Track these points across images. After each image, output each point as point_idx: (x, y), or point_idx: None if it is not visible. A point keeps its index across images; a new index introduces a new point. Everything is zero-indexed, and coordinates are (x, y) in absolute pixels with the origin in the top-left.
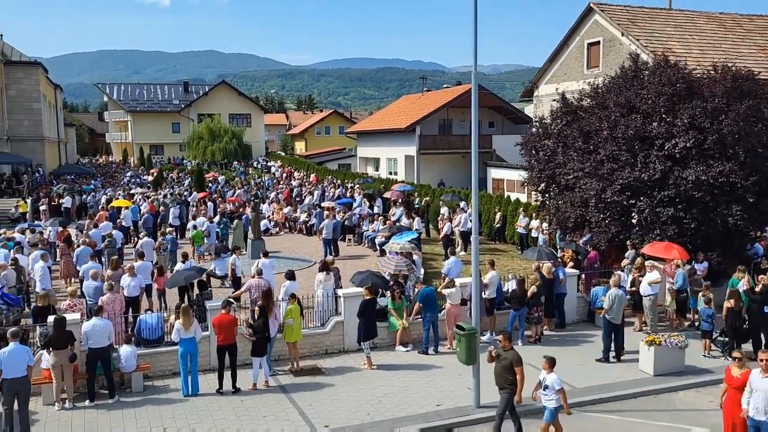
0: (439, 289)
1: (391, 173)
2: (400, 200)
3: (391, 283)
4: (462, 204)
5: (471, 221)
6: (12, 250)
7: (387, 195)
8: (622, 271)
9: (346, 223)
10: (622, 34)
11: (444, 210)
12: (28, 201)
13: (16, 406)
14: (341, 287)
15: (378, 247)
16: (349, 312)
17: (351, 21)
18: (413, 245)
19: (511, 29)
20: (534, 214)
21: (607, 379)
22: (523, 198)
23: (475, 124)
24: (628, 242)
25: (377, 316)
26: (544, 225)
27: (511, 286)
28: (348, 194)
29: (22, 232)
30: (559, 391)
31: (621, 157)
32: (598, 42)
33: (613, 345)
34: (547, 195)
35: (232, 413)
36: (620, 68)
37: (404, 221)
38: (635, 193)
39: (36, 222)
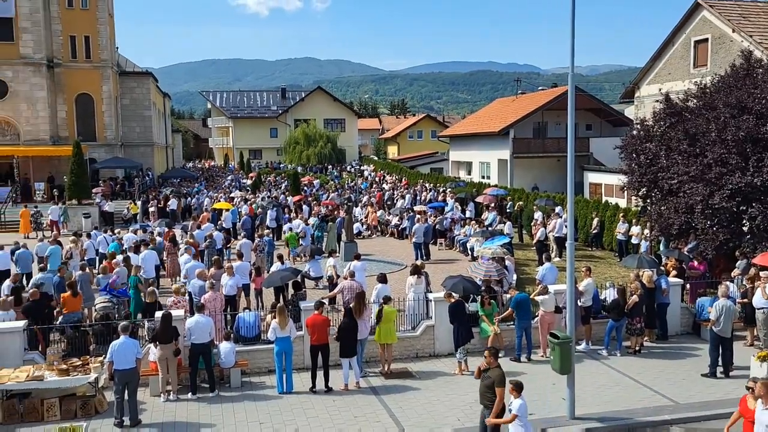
0: (532, 296)
1: (483, 177)
2: (492, 204)
3: (483, 288)
4: (557, 209)
5: (566, 226)
6: (128, 248)
7: (479, 199)
8: (732, 281)
9: (437, 226)
10: (733, 31)
11: (538, 215)
12: (139, 203)
13: (126, 396)
14: (431, 291)
15: (469, 252)
16: (440, 316)
17: (444, 25)
18: (505, 250)
19: (610, 28)
20: (634, 220)
21: (714, 396)
22: (623, 203)
23: (572, 126)
24: (737, 251)
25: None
26: (646, 231)
27: (609, 294)
28: (440, 198)
29: (135, 232)
30: (513, 415)
31: (731, 160)
32: (706, 39)
33: (720, 360)
34: (648, 200)
35: (325, 412)
36: (730, 66)
37: (497, 226)
38: (746, 198)
39: (145, 222)
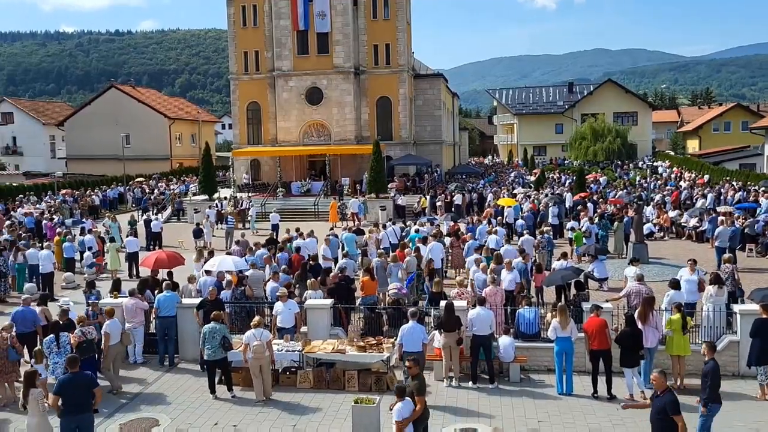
0: None
1: None
2: None
3: None
4: None
5: None
6: (417, 239)
7: None
8: None
9: (746, 230)
10: None
11: None
12: (428, 197)
13: None
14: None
15: None
16: (746, 331)
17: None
18: None
19: None
20: None
21: None
22: None
23: None
24: None
25: None
26: None
27: None
28: (751, 198)
29: (422, 224)
30: (396, 422)
31: None
32: None
33: None
34: None
35: (607, 420)
36: None
37: None
38: None
39: (432, 216)
